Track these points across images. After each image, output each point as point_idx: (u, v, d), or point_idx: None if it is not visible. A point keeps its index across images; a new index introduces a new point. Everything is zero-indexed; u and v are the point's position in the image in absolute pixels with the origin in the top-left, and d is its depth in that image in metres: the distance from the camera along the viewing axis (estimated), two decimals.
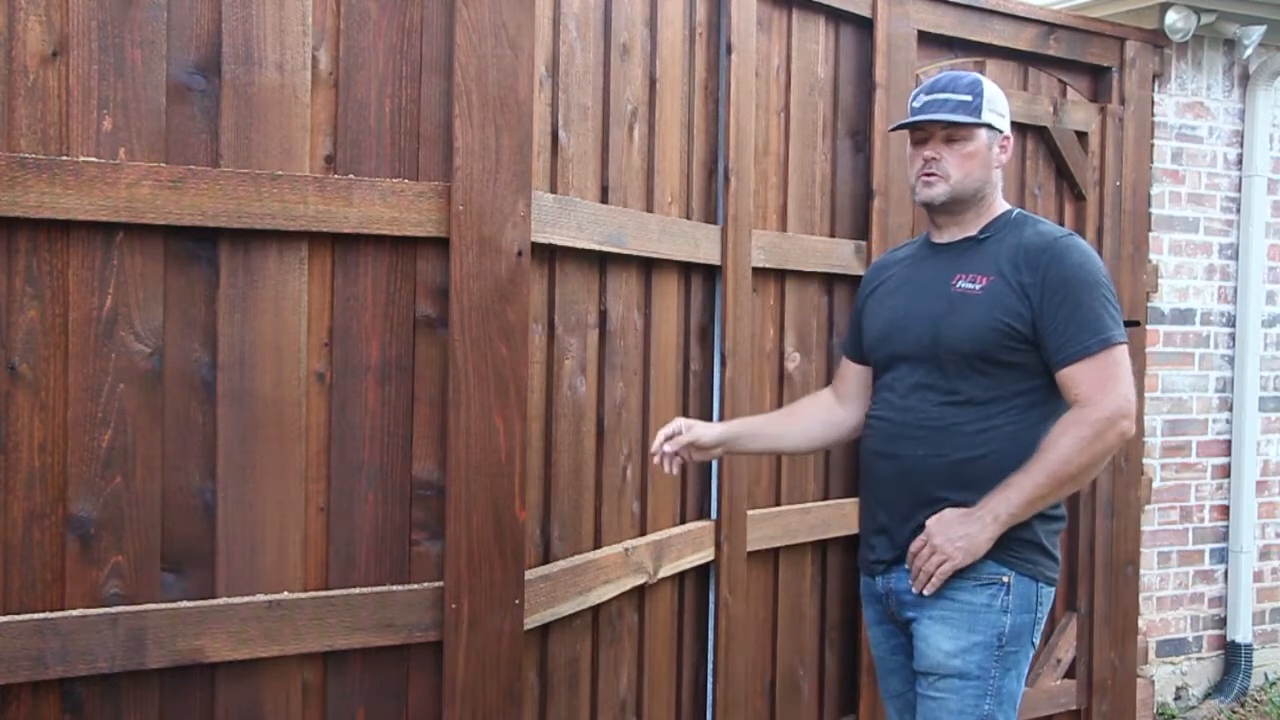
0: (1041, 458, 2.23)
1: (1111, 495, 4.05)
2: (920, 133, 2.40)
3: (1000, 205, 2.45)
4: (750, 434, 2.60)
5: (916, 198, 2.43)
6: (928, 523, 2.28)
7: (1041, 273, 2.27)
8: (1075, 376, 2.24)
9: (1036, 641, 2.35)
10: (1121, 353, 2.26)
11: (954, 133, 2.35)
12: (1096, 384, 2.23)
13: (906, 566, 2.34)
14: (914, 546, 2.30)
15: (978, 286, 2.33)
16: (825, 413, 2.65)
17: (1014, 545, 2.27)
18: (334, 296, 2.08)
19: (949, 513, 2.28)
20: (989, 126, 2.37)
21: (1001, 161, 2.42)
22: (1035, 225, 2.39)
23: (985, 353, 2.29)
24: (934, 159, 2.37)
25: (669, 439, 2.44)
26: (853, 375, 2.64)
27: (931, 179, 2.37)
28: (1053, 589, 2.36)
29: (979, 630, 2.27)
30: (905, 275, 2.51)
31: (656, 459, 2.44)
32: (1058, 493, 2.25)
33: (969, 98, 2.35)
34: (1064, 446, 2.22)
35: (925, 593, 2.28)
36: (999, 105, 2.41)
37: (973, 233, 2.41)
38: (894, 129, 2.49)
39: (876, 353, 2.50)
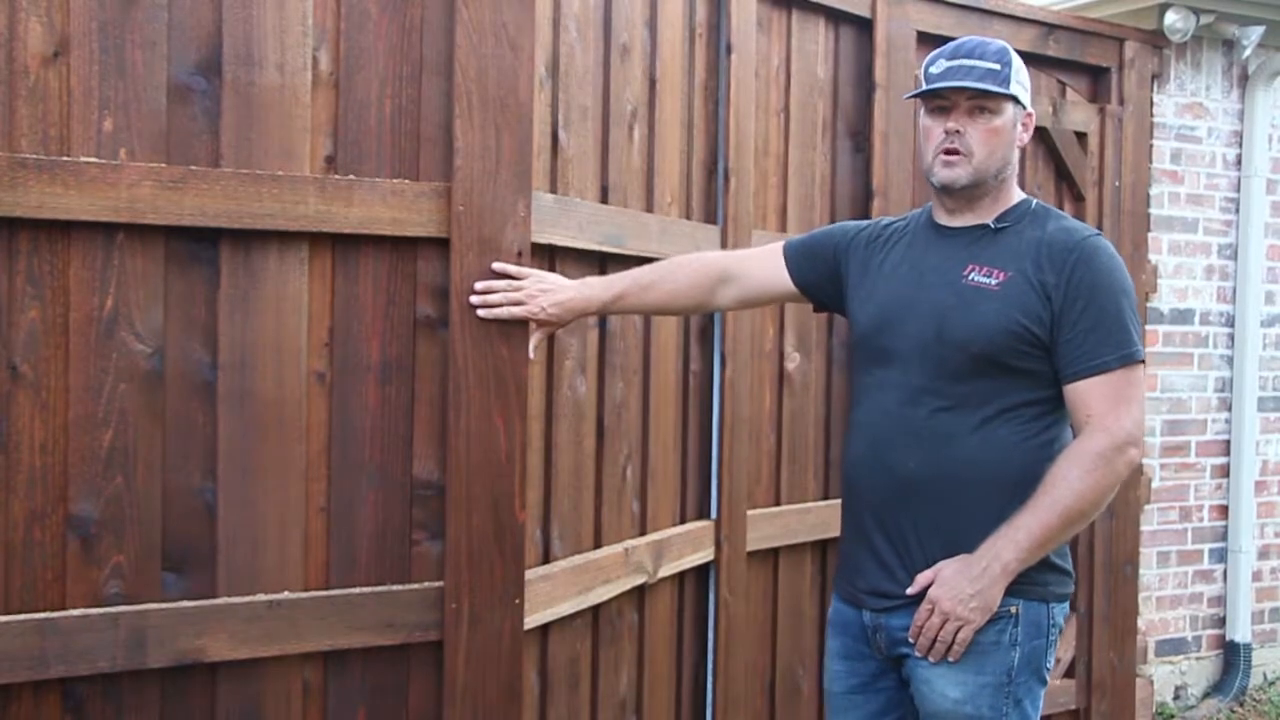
0: (1050, 494, 2.02)
1: None
2: (939, 101, 2.14)
3: (1016, 192, 2.22)
4: (625, 304, 2.38)
5: (934, 179, 2.16)
6: (930, 592, 2.07)
7: (1066, 274, 2.07)
8: (1088, 393, 2.05)
9: (1052, 661, 2.16)
10: (1139, 373, 2.08)
11: (981, 103, 2.11)
12: (1108, 405, 2.04)
13: (912, 634, 2.11)
14: (918, 618, 2.08)
15: (994, 281, 2.11)
16: (706, 292, 2.41)
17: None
18: (334, 297, 2.08)
19: (948, 568, 2.07)
20: (1015, 100, 2.13)
21: (1024, 141, 2.19)
22: (1059, 220, 2.17)
23: (995, 355, 2.07)
24: (957, 132, 2.11)
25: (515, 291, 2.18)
26: (770, 271, 2.39)
27: (953, 159, 2.12)
28: (1065, 603, 2.17)
29: (987, 671, 2.07)
30: (903, 256, 2.25)
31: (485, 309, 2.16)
32: (1068, 531, 2.07)
33: (997, 66, 2.10)
34: (1074, 480, 2.02)
35: (951, 660, 2.07)
36: (1024, 78, 2.17)
37: (987, 220, 2.18)
38: (912, 95, 2.20)
39: (866, 344, 2.24)
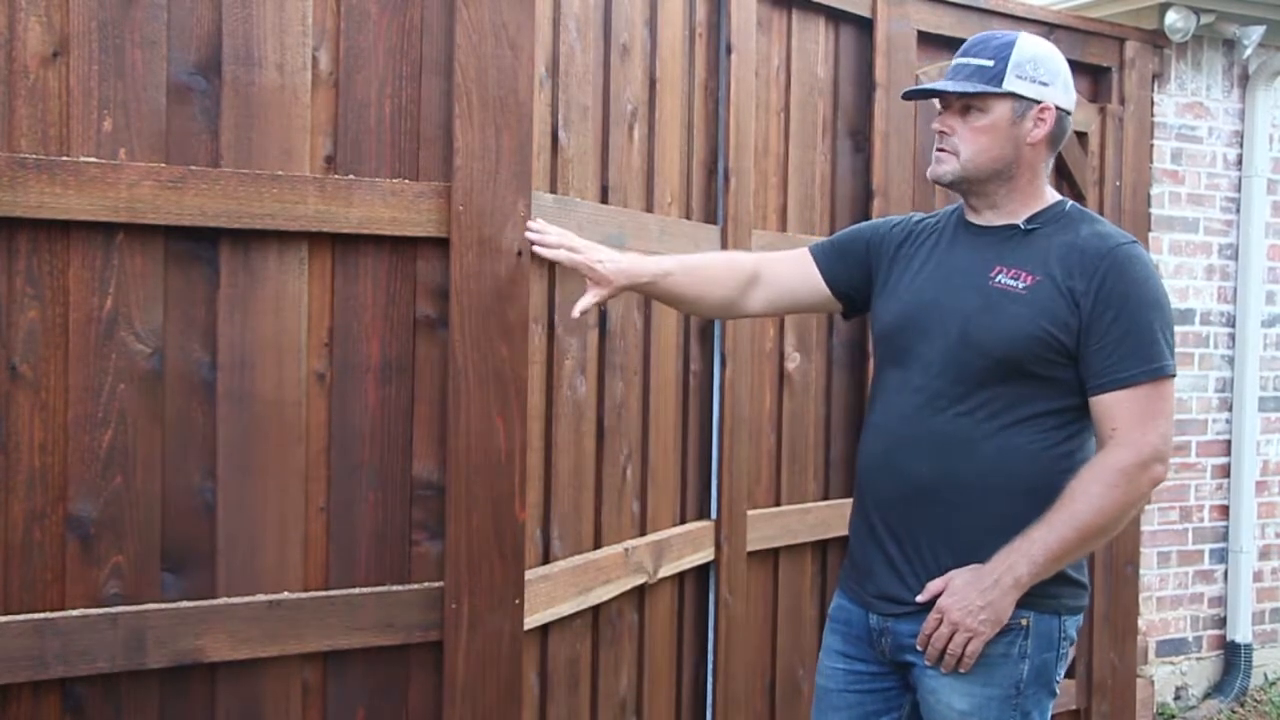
0: (1069, 508, 1.97)
1: None
2: (942, 99, 2.15)
3: (1050, 194, 2.17)
4: (662, 287, 2.32)
5: (928, 174, 2.19)
6: (940, 601, 2.03)
7: (1098, 281, 2.01)
8: (1114, 407, 1.99)
9: (1062, 673, 2.12)
10: (1169, 388, 2.01)
11: (970, 102, 2.09)
12: (1135, 420, 1.98)
13: (920, 643, 2.07)
14: (927, 627, 2.04)
15: (1021, 285, 2.05)
16: (737, 291, 2.33)
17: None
18: (334, 297, 2.08)
19: (959, 578, 2.03)
20: (1015, 96, 2.08)
21: (1037, 137, 2.10)
22: (1093, 224, 2.11)
23: (1018, 362, 2.02)
24: (944, 132, 2.12)
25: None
26: (800, 273, 2.33)
27: (941, 155, 2.13)
28: (1079, 615, 2.13)
29: (995, 683, 2.04)
30: (930, 254, 2.20)
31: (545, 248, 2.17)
32: (1086, 547, 2.02)
33: (990, 63, 2.07)
34: (1095, 496, 1.97)
35: (961, 670, 2.03)
36: (1039, 70, 2.09)
37: (1017, 221, 2.13)
38: (904, 97, 2.28)
39: (887, 343, 2.20)
